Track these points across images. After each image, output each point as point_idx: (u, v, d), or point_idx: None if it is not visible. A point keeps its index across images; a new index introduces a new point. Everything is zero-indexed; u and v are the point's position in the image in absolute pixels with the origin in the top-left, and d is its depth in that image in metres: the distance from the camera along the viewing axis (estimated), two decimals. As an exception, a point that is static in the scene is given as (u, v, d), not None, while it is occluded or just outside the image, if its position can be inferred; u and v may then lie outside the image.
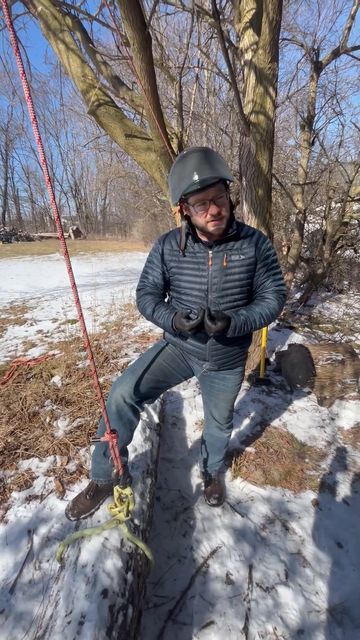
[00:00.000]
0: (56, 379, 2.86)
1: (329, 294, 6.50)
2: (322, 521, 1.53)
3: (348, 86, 9.54)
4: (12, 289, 6.64)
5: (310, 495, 1.68)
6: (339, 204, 5.81)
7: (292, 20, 7.56)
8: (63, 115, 26.06)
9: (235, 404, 1.86)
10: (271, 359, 3.22)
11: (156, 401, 2.03)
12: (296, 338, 3.81)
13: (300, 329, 4.17)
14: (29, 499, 1.65)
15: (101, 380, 2.85)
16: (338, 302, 5.84)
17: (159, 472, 1.79)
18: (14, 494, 1.67)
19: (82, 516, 1.21)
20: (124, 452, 1.31)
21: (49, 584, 1.24)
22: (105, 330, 4.14)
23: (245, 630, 1.11)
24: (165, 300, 1.35)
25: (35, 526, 1.48)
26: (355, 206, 5.44)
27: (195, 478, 1.79)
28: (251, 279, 1.19)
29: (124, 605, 0.95)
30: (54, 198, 0.71)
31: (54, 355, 3.40)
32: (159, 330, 4.17)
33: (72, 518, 1.22)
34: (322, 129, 6.84)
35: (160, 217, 14.21)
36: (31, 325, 4.51)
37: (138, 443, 1.58)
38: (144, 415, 1.82)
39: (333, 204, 5.69)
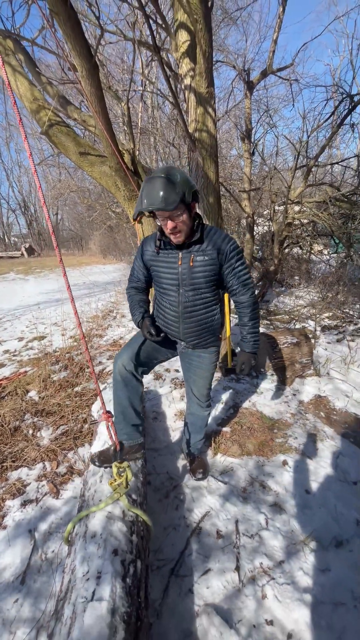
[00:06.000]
0: (32, 394, 2.87)
1: (282, 289, 7.05)
2: (292, 476, 1.78)
3: (279, 100, 10.52)
4: (-31, 313, 6.33)
5: (281, 458, 1.93)
6: (282, 207, 6.40)
7: (223, 42, 8.23)
8: (8, 133, 25.21)
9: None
10: (236, 350, 3.50)
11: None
12: (257, 330, 4.16)
13: (260, 322, 4.54)
14: (24, 504, 1.71)
15: (79, 389, 2.92)
16: (291, 295, 6.37)
17: (147, 461, 1.94)
18: (8, 502, 1.72)
19: (104, 465, 1.38)
20: (138, 415, 1.46)
21: (56, 570, 1.33)
22: (75, 343, 4.18)
23: (237, 569, 1.31)
24: (152, 290, 1.60)
25: (35, 525, 1.55)
26: (296, 208, 6.04)
27: (180, 460, 1.96)
28: (216, 275, 1.42)
29: (133, 560, 1.10)
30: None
31: (25, 372, 3.39)
32: (129, 337, 4.30)
33: (97, 464, 1.39)
34: (260, 140, 7.50)
35: (116, 229, 14.27)
36: (-4, 346, 4.39)
37: (126, 433, 1.72)
38: (127, 410, 1.95)
39: (277, 207, 6.25)
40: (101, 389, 2.86)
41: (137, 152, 3.69)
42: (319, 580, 1.26)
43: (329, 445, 2.04)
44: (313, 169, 5.69)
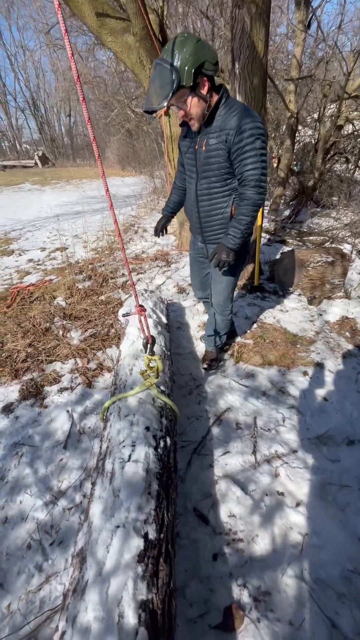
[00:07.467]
0: (59, 300, 2.95)
1: (318, 209, 6.40)
2: (312, 385, 1.84)
3: None
4: (-11, 222, 6.24)
5: (302, 369, 1.98)
6: (333, 106, 5.34)
7: None
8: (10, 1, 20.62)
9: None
10: (264, 268, 3.36)
11: (163, 306, 2.18)
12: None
13: (290, 241, 4.24)
14: (61, 390, 1.88)
15: (103, 298, 2.97)
16: (327, 217, 5.80)
17: (172, 362, 2.04)
18: (47, 388, 1.90)
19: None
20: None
21: (93, 440, 1.52)
22: (97, 255, 4.11)
23: (254, 453, 1.45)
24: None
25: (72, 407, 1.73)
26: (352, 111, 5.03)
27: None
28: (227, 161, 1.23)
29: (163, 436, 1.21)
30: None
31: (51, 280, 3.43)
32: (151, 251, 4.18)
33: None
34: (319, 6, 5.84)
35: (135, 135, 12.68)
36: (20, 255, 4.41)
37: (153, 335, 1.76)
38: (153, 315, 1.97)
39: (328, 105, 5.23)
40: (124, 298, 2.90)
41: (165, 14, 2.96)
42: (328, 467, 1.39)
43: (350, 361, 2.05)
44: (383, 50, 4.50)
